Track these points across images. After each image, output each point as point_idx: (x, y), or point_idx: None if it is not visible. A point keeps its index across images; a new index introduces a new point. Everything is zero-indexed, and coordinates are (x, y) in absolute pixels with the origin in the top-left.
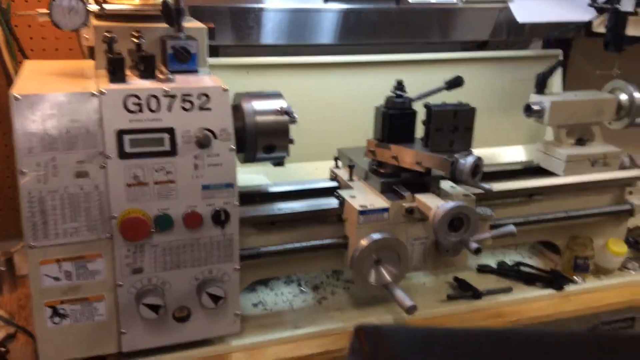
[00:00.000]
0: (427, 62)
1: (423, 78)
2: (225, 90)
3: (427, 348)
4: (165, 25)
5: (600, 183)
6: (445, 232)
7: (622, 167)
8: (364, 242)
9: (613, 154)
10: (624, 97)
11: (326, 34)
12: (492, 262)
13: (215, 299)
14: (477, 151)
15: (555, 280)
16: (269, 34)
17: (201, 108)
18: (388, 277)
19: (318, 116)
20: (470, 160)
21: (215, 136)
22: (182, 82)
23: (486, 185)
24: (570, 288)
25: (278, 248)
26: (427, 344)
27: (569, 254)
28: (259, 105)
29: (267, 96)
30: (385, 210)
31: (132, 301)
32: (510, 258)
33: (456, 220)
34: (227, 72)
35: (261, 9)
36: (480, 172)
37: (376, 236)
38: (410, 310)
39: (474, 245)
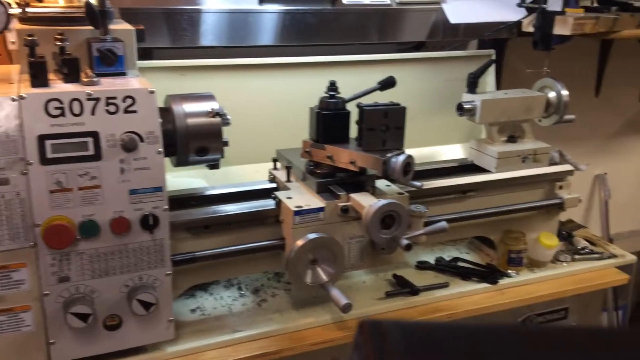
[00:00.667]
0: (364, 63)
1: (360, 79)
2: (152, 92)
3: (430, 343)
4: (92, 27)
5: (531, 178)
6: (377, 230)
7: (552, 163)
8: (299, 242)
9: (543, 150)
10: (552, 94)
11: (263, 35)
12: (431, 259)
13: (147, 305)
14: (415, 150)
15: (490, 274)
16: (205, 35)
17: (127, 111)
18: (324, 277)
19: (258, 118)
20: (401, 159)
21: (141, 139)
22: (107, 84)
23: (417, 183)
24: (504, 281)
25: (213, 252)
26: (430, 338)
27: (503, 249)
28: (189, 107)
29: (198, 98)
30: (320, 210)
31: (59, 310)
32: (449, 254)
33: (388, 218)
34: (160, 74)
35: (195, 11)
36: (411, 171)
37: (312, 236)
38: (346, 308)
39: (404, 241)
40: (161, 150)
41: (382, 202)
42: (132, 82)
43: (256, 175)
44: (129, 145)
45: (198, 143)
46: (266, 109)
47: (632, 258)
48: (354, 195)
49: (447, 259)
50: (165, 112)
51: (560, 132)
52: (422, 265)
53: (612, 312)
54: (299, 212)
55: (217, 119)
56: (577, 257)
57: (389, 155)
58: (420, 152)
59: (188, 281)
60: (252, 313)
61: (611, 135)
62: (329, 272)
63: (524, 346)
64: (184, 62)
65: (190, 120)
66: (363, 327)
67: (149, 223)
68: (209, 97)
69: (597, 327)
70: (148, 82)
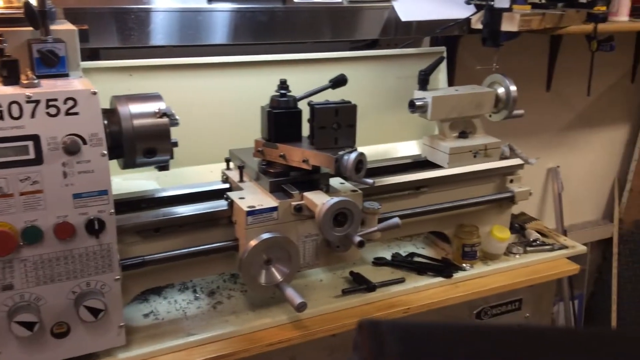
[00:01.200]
0: (317, 62)
1: (313, 77)
2: (94, 93)
3: (428, 344)
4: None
5: (483, 173)
6: (329, 228)
7: (503, 157)
8: (252, 243)
9: (494, 145)
10: (501, 90)
11: (213, 34)
12: (387, 255)
13: (95, 311)
14: (369, 148)
15: (445, 268)
16: (154, 35)
17: (68, 113)
18: (279, 277)
19: (210, 117)
20: (353, 156)
21: (84, 142)
22: (48, 86)
23: (369, 180)
24: (459, 275)
25: (164, 255)
26: (428, 339)
27: (457, 243)
28: (135, 108)
29: (145, 98)
30: (274, 209)
31: (4, 319)
32: (405, 249)
33: (340, 216)
34: (108, 75)
35: (143, 10)
36: (364, 168)
37: (265, 236)
38: (300, 307)
39: (357, 239)
40: (105, 152)
41: (334, 200)
42: (74, 84)
43: (210, 176)
44: (72, 148)
45: (145, 144)
46: (218, 108)
47: (582, 248)
48: (307, 194)
49: (404, 254)
50: (111, 114)
51: (514, 127)
52: (378, 262)
53: (568, 302)
54: (251, 212)
55: (165, 120)
56: (529, 249)
57: (341, 153)
58: (375, 150)
59: (139, 286)
60: (207, 316)
61: (563, 129)
62: (284, 272)
63: (521, 347)
64: (132, 62)
65: (137, 122)
66: (362, 328)
67: (94, 227)
68: (156, 97)
69: (595, 328)
70: (90, 83)
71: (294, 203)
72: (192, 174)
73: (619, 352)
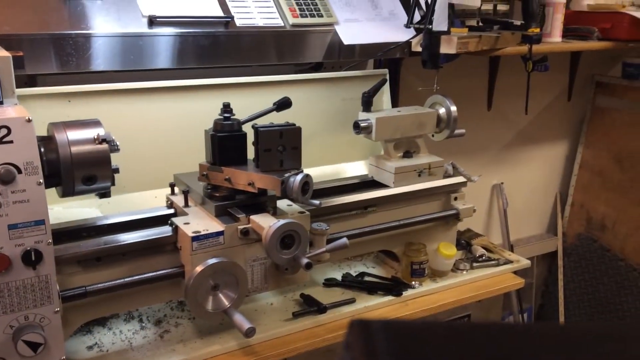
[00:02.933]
0: (261, 85)
1: (258, 100)
2: (29, 120)
3: (421, 343)
4: None
5: (427, 191)
6: (277, 251)
7: (447, 176)
8: (198, 269)
9: (437, 164)
10: (442, 110)
11: (155, 58)
12: (338, 275)
13: (34, 346)
14: (317, 169)
15: (394, 287)
16: (93, 60)
17: (2, 141)
18: (226, 302)
19: (154, 142)
20: (299, 178)
21: (19, 171)
22: None
23: (315, 202)
24: (408, 293)
25: (106, 285)
26: (421, 339)
27: (406, 261)
28: (73, 134)
29: (83, 125)
30: (220, 234)
31: None
32: (355, 269)
33: (287, 238)
34: (46, 101)
35: (81, 35)
36: (310, 189)
37: (211, 261)
38: (249, 333)
39: (304, 260)
40: (41, 181)
41: (280, 222)
42: (8, 111)
43: (154, 202)
44: (5, 178)
45: (84, 172)
46: (161, 133)
47: (526, 263)
48: (253, 217)
49: (354, 274)
50: (48, 141)
51: (457, 146)
52: (329, 283)
53: (517, 315)
54: (196, 238)
55: (104, 146)
56: (475, 264)
57: (287, 175)
58: (322, 171)
59: (82, 317)
60: (154, 346)
61: (505, 146)
62: (231, 298)
63: (515, 345)
64: (70, 88)
65: (75, 148)
66: (352, 328)
67: (31, 259)
68: (95, 123)
69: (591, 323)
70: (25, 111)
71: (240, 227)
72: (136, 200)
73: (606, 346)
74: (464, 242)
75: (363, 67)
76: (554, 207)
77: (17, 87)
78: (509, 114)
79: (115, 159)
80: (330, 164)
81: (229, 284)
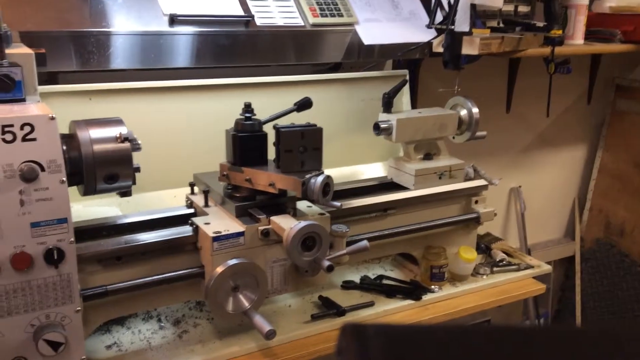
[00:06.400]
0: (281, 85)
1: (277, 100)
2: (52, 118)
3: (415, 348)
4: None
5: (448, 194)
6: (298, 253)
7: (467, 178)
8: (218, 269)
9: (458, 166)
10: (464, 112)
11: (175, 57)
12: (356, 278)
13: (55, 345)
14: (336, 170)
15: (414, 290)
16: (114, 58)
17: (25, 139)
18: (246, 304)
19: (174, 141)
20: (320, 179)
21: (42, 168)
22: (4, 112)
23: (336, 203)
24: (427, 297)
25: (126, 284)
26: (415, 343)
27: (425, 264)
28: (95, 133)
29: (105, 123)
30: (240, 234)
31: None
32: (374, 272)
33: (308, 240)
34: (67, 99)
35: (102, 33)
36: (331, 191)
37: (231, 262)
38: (269, 335)
39: (326, 263)
40: (64, 179)
41: (302, 224)
42: (31, 109)
43: (173, 201)
44: (29, 176)
45: (106, 170)
46: (181, 132)
47: (547, 268)
48: (274, 218)
49: (372, 277)
50: (70, 139)
51: (476, 148)
52: (347, 285)
53: (534, 321)
54: (217, 238)
55: (126, 145)
56: (495, 269)
57: (307, 176)
58: (341, 172)
59: (101, 316)
60: (173, 346)
61: (523, 149)
62: (251, 299)
63: (512, 348)
64: (92, 86)
65: (97, 147)
66: (346, 332)
67: (53, 257)
68: (117, 122)
69: (591, 326)
70: (48, 108)
71: (261, 228)
72: (156, 200)
73: (604, 350)
74: (484, 246)
75: (381, 67)
76: (572, 212)
77: (38, 84)
78: (528, 116)
79: (136, 158)
80: (348, 165)
81: (249, 285)
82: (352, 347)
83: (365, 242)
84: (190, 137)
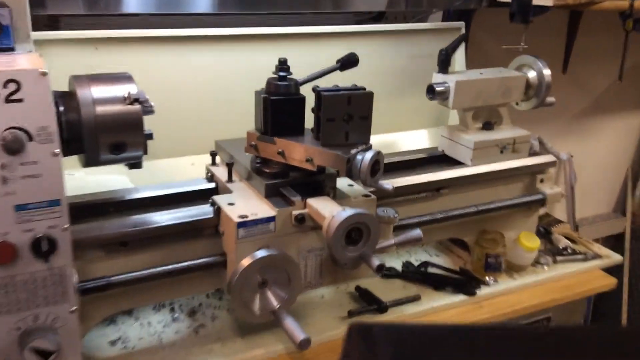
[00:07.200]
0: (315, 37)
1: (313, 55)
2: (44, 74)
3: (425, 345)
4: None
5: (512, 171)
6: (341, 247)
7: (532, 153)
8: (244, 262)
9: (523, 139)
10: (532, 74)
11: (196, 2)
12: (397, 264)
13: (45, 354)
14: (376, 138)
15: (466, 283)
16: (125, 1)
17: (9, 100)
18: (275, 302)
19: (193, 101)
20: (369, 156)
21: (30, 137)
22: None
23: (387, 185)
24: (482, 291)
25: (133, 275)
26: (425, 341)
27: (479, 252)
28: (99, 91)
29: (111, 79)
30: (270, 219)
31: None
32: (417, 257)
33: (354, 232)
34: (69, 48)
35: None
36: (380, 170)
37: (260, 254)
38: (303, 345)
39: (375, 262)
40: (57, 151)
41: (348, 212)
42: (19, 61)
43: (191, 171)
44: (12, 145)
45: (111, 138)
46: (202, 90)
47: (618, 258)
48: (311, 202)
49: (416, 263)
50: (69, 98)
51: (523, 113)
52: (388, 273)
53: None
54: (243, 224)
55: (136, 107)
56: (559, 258)
57: (353, 151)
58: (383, 140)
59: (103, 311)
60: (188, 343)
61: (576, 115)
62: (282, 297)
63: (519, 348)
64: (97, 34)
65: (100, 109)
66: (352, 332)
67: (42, 248)
68: (126, 79)
69: (596, 326)
70: (40, 60)
71: (295, 212)
72: (171, 168)
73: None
74: (543, 229)
75: (426, 19)
76: (624, 185)
77: (36, 29)
78: (587, 78)
79: (148, 121)
80: (389, 132)
81: (279, 281)
82: (358, 347)
83: (418, 232)
84: (212, 96)
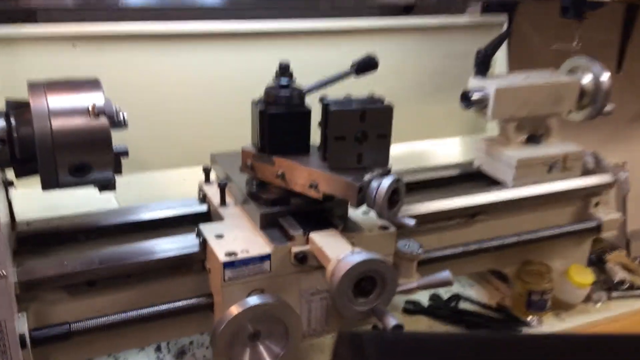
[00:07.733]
0: (332, 34)
1: (327, 55)
2: None
3: (414, 355)
4: None
5: (562, 196)
6: (347, 300)
7: (585, 172)
8: (232, 311)
9: (575, 155)
10: (587, 79)
11: None
12: (423, 297)
13: None
14: (400, 147)
15: (506, 324)
16: None
17: None
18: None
19: (185, 106)
20: (385, 184)
21: None
22: None
23: (409, 221)
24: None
25: (99, 322)
26: (415, 350)
27: (520, 287)
28: (57, 101)
29: (74, 87)
30: (265, 258)
31: None
32: (447, 289)
33: (366, 281)
34: (43, 45)
35: None
36: (401, 200)
37: (251, 301)
38: None
39: (392, 321)
40: None
41: (357, 257)
42: None
43: (183, 187)
44: None
45: (71, 157)
46: (198, 94)
47: None
48: (315, 237)
49: (445, 295)
50: (21, 109)
51: (588, 130)
52: (411, 309)
53: None
54: (231, 264)
55: (102, 121)
56: (614, 294)
57: (367, 178)
58: (409, 149)
59: None
60: None
61: (632, 118)
62: (276, 353)
63: (513, 357)
64: (75, 29)
65: (58, 123)
66: (342, 340)
67: None
68: (91, 85)
69: (598, 334)
70: None
71: (295, 249)
72: (159, 182)
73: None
74: (594, 257)
75: (463, 11)
76: None
77: (8, 22)
78: None
79: (134, 129)
80: (416, 140)
81: (274, 334)
82: (348, 356)
83: (447, 274)
84: (209, 101)
